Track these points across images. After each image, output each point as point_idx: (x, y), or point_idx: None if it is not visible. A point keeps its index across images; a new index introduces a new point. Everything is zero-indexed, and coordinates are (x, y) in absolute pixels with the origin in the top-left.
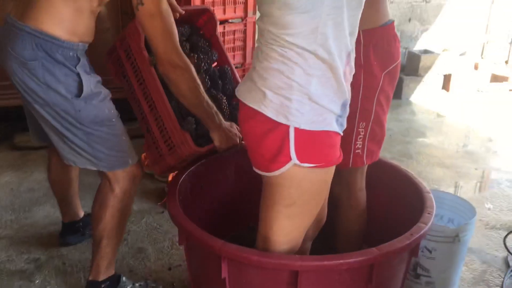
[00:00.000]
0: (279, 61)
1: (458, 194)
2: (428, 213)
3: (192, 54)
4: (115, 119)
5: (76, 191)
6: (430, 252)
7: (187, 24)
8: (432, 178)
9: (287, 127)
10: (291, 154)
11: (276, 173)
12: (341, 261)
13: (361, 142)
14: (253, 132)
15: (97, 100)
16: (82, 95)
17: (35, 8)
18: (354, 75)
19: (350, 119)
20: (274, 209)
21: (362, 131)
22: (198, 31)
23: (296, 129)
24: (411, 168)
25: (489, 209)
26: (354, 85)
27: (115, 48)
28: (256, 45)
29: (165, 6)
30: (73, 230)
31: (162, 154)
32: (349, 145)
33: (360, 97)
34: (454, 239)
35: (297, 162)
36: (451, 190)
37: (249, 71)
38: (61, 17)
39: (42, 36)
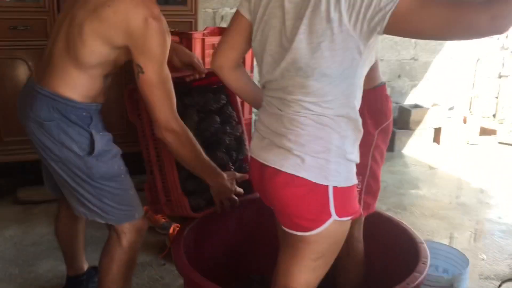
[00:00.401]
0: (315, 127)
1: (453, 245)
2: (423, 263)
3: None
4: (123, 175)
5: (82, 244)
6: None
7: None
8: (426, 229)
9: (327, 187)
10: (331, 212)
11: (316, 231)
12: None
13: (357, 195)
14: (293, 196)
15: (107, 157)
16: (94, 153)
17: (53, 73)
18: None
19: None
20: (301, 263)
21: (358, 185)
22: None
23: (335, 188)
24: (406, 220)
25: (483, 259)
26: None
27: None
28: (271, 111)
29: (165, 73)
30: (77, 283)
31: (160, 200)
32: None
33: None
34: None
35: (337, 218)
36: (445, 241)
37: (264, 135)
38: (76, 82)
39: (58, 99)
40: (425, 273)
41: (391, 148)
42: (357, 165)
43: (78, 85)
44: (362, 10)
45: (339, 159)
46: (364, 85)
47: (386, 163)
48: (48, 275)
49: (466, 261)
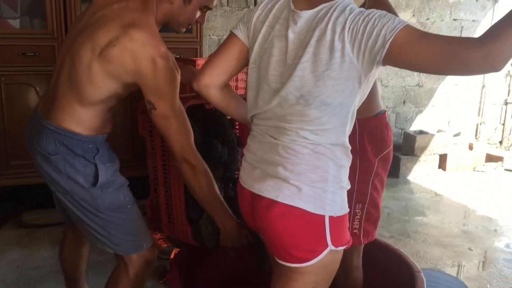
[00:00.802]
0: (312, 156)
1: (457, 274)
2: None
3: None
4: (130, 206)
5: (84, 269)
6: None
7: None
8: (430, 257)
9: (323, 217)
10: (327, 242)
11: (313, 262)
12: None
13: (358, 223)
14: (290, 228)
15: (112, 188)
16: (98, 184)
17: (58, 108)
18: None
19: (347, 201)
20: None
21: (358, 212)
22: None
23: (331, 218)
24: (409, 247)
25: None
26: (350, 170)
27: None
28: (264, 140)
29: (177, 107)
30: None
31: (160, 220)
32: None
33: (356, 181)
34: None
35: (333, 247)
36: (448, 269)
37: (256, 165)
38: (80, 117)
39: (64, 133)
40: None
41: (396, 174)
42: (357, 193)
43: (83, 119)
44: (364, 39)
45: (335, 189)
46: (365, 113)
47: (390, 190)
48: None
49: None
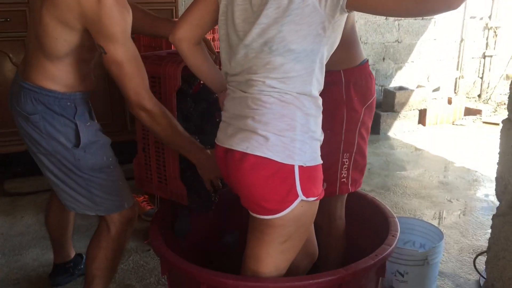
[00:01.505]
0: (279, 105)
1: (434, 223)
2: (392, 236)
3: None
4: (112, 166)
5: (71, 233)
6: (403, 275)
7: None
8: (409, 208)
9: (292, 166)
10: (298, 192)
11: (284, 213)
12: (311, 281)
13: (346, 172)
14: (259, 178)
15: (95, 148)
16: (80, 145)
17: (31, 67)
18: (336, 111)
19: (335, 150)
20: (269, 247)
21: (346, 161)
22: None
23: (300, 167)
24: (388, 199)
25: (462, 235)
26: (337, 120)
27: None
28: (235, 96)
29: (129, 51)
30: (63, 270)
31: (151, 180)
32: (334, 174)
33: (343, 131)
34: (424, 262)
35: (304, 198)
36: (426, 219)
37: (229, 122)
38: (52, 73)
39: (39, 91)
40: (394, 244)
41: (376, 131)
42: (345, 143)
43: (55, 75)
44: None
45: (304, 138)
46: (349, 63)
47: (371, 146)
48: (34, 264)
49: (440, 235)
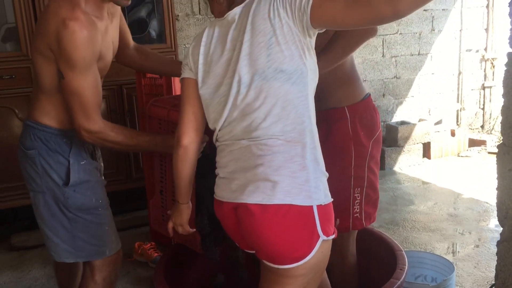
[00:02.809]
0: (287, 146)
1: (446, 256)
2: (400, 269)
3: None
4: (101, 208)
5: (78, 282)
6: None
7: None
8: (419, 242)
9: (311, 207)
10: (319, 232)
11: (309, 257)
12: None
13: (358, 207)
14: (283, 227)
15: (85, 188)
16: (70, 183)
17: (32, 104)
18: (344, 147)
19: (345, 186)
20: None
21: (358, 196)
22: None
23: (318, 207)
24: (398, 234)
25: (475, 267)
26: (345, 156)
27: (158, 105)
28: (234, 148)
29: (89, 80)
30: None
31: (167, 223)
32: (347, 210)
33: (353, 166)
34: None
35: (324, 237)
36: (437, 252)
37: (232, 176)
38: (47, 108)
39: (37, 126)
40: (402, 278)
41: (381, 166)
42: (355, 178)
43: (50, 111)
44: (292, 0)
45: (316, 175)
46: (352, 99)
47: None
48: None
49: (451, 268)
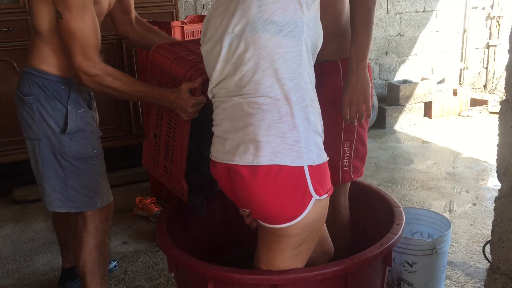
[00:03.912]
0: (277, 105)
1: (443, 213)
2: (398, 225)
3: None
4: (96, 158)
5: None
6: (411, 266)
7: None
8: (417, 200)
9: (302, 168)
10: (311, 192)
11: (301, 217)
12: (317, 272)
13: (347, 160)
14: (273, 188)
15: (81, 136)
16: (67, 130)
17: (30, 50)
18: (335, 100)
19: (336, 139)
20: (284, 254)
21: (347, 150)
22: None
23: (310, 167)
24: (396, 192)
25: (471, 224)
26: (336, 109)
27: (162, 52)
28: (228, 105)
29: (86, 19)
30: (72, 275)
31: (157, 166)
32: (337, 164)
33: (343, 120)
34: (432, 251)
35: (317, 197)
36: (434, 209)
37: (225, 136)
38: (45, 54)
39: (35, 73)
40: (399, 233)
41: (382, 125)
42: (345, 132)
43: (49, 57)
44: None
45: (307, 134)
46: (345, 53)
47: (377, 140)
48: (45, 268)
49: (448, 224)
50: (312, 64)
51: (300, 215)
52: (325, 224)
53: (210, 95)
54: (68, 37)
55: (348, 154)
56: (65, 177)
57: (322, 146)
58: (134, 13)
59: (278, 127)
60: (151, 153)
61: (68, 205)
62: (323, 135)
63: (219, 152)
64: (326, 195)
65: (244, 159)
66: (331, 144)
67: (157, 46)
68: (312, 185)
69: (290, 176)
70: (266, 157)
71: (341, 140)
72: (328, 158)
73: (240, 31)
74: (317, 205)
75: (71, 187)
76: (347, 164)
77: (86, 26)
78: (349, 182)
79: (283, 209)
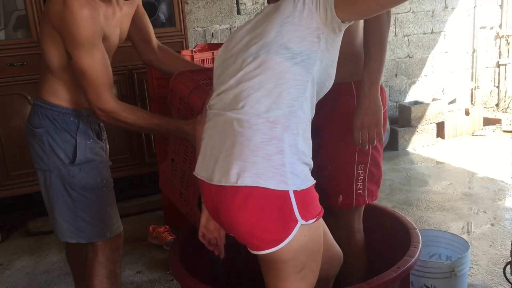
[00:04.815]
0: (267, 126)
1: (461, 234)
2: (414, 247)
3: None
4: (105, 188)
5: None
6: None
7: None
8: (433, 222)
9: (287, 192)
10: (297, 217)
11: (286, 241)
12: None
13: (361, 183)
14: (255, 211)
15: (90, 167)
16: (76, 161)
17: (40, 84)
18: (349, 122)
19: (349, 162)
20: (287, 280)
21: (361, 173)
22: None
23: (295, 192)
24: (412, 214)
25: (490, 245)
26: (350, 131)
27: (181, 80)
28: (219, 119)
29: (96, 58)
30: None
31: (173, 190)
32: (350, 186)
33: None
34: (451, 274)
35: (303, 222)
36: (452, 231)
37: (211, 153)
38: (55, 88)
39: (45, 105)
40: (416, 255)
41: (395, 147)
42: (359, 154)
43: (58, 90)
44: None
45: (293, 160)
46: (359, 75)
47: (390, 162)
48: None
49: (466, 246)
50: (316, 98)
51: (285, 239)
52: (327, 231)
53: (207, 106)
54: (80, 76)
55: (362, 177)
56: (75, 208)
57: (309, 173)
58: (155, 41)
59: (265, 149)
60: (168, 177)
61: (78, 235)
62: (311, 166)
63: (205, 171)
64: (314, 219)
65: (228, 179)
66: (344, 166)
67: (178, 74)
68: (298, 210)
69: (274, 200)
70: (250, 178)
71: (354, 162)
72: (314, 181)
73: (255, 50)
74: (304, 229)
75: (80, 218)
76: (361, 187)
77: (96, 65)
78: (363, 206)
79: (266, 232)
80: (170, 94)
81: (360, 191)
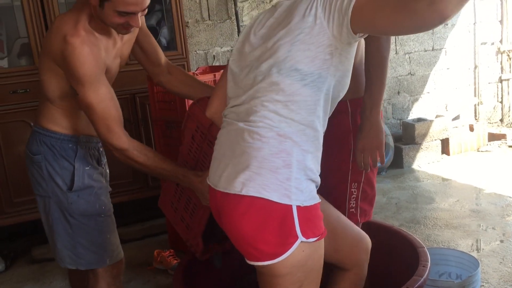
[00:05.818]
0: (277, 140)
1: (470, 252)
2: (423, 266)
3: None
4: (104, 215)
5: None
6: None
7: None
8: (441, 240)
9: (290, 206)
10: (297, 233)
11: (284, 256)
12: None
13: (354, 202)
14: (256, 221)
15: (88, 193)
16: (74, 188)
17: (39, 111)
18: (343, 140)
19: (343, 179)
20: None
21: (354, 192)
22: None
23: (298, 207)
24: (419, 233)
25: (501, 262)
26: (344, 149)
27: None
28: (231, 128)
29: (101, 92)
30: None
31: (174, 212)
32: (343, 204)
33: (351, 160)
34: None
35: (303, 239)
36: (461, 249)
37: (221, 159)
38: (53, 115)
39: (43, 132)
40: (425, 275)
41: (400, 164)
42: (352, 172)
43: (55, 117)
44: (334, 1)
45: (299, 176)
46: (355, 93)
47: (396, 180)
48: None
49: (476, 264)
50: (329, 112)
51: (283, 254)
52: (341, 215)
53: (222, 114)
54: (88, 111)
55: (355, 196)
56: (74, 234)
57: (315, 191)
58: (165, 63)
59: (272, 161)
60: (169, 198)
61: (77, 262)
62: (318, 183)
63: (215, 177)
64: (315, 239)
65: (233, 187)
66: (338, 184)
67: (199, 100)
68: (300, 226)
69: (276, 212)
70: (254, 189)
71: (348, 180)
72: (320, 201)
73: (266, 69)
74: (304, 246)
75: (79, 244)
76: (353, 205)
77: (102, 99)
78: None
79: (264, 244)
80: (186, 118)
81: (353, 209)
